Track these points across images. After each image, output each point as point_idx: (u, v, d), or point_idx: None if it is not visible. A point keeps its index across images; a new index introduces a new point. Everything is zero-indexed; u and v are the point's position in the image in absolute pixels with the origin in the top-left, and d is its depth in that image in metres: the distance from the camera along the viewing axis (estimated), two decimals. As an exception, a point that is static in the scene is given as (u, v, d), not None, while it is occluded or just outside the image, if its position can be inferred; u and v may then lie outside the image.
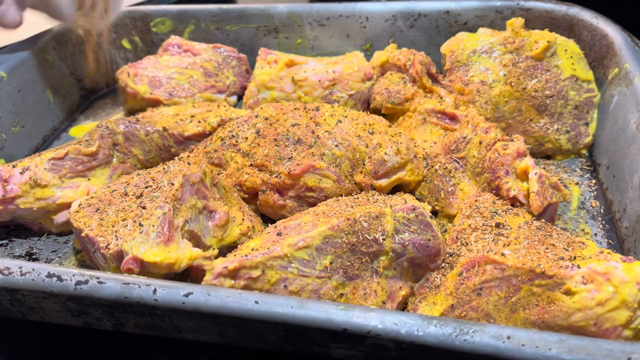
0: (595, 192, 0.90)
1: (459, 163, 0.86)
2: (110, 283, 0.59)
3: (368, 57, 1.18)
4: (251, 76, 1.12)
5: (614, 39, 0.97)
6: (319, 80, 1.05)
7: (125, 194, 0.74)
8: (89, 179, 0.88)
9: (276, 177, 0.83)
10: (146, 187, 0.73)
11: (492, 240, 0.69)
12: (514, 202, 0.77)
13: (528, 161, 0.77)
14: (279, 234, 0.70)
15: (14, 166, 0.84)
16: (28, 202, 0.83)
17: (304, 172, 0.82)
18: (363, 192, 0.83)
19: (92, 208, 0.74)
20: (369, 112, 0.93)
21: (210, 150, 0.92)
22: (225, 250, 0.77)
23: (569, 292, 0.61)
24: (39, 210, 0.84)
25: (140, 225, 0.67)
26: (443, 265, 0.72)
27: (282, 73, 1.06)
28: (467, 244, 0.71)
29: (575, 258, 0.64)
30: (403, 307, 0.72)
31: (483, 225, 0.73)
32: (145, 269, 0.65)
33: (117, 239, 0.67)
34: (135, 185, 0.75)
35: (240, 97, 1.19)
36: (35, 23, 1.07)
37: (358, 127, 0.85)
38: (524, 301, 0.63)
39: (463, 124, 0.89)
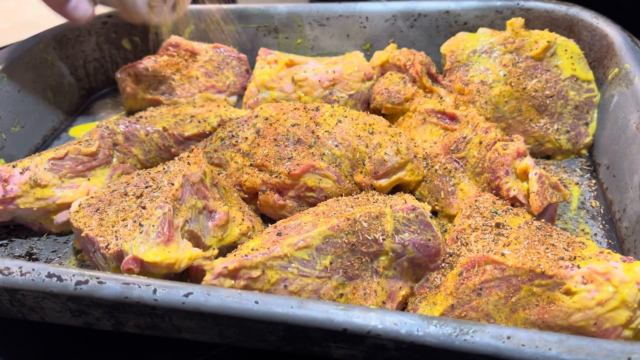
0: (595, 192, 0.90)
1: (459, 163, 0.86)
2: (110, 283, 0.59)
3: (368, 57, 1.18)
4: (251, 76, 1.12)
5: (614, 39, 0.97)
6: (319, 80, 1.05)
7: (125, 194, 0.74)
8: (89, 179, 0.88)
9: (276, 177, 0.83)
10: (146, 187, 0.73)
11: (492, 240, 0.69)
12: (514, 202, 0.77)
13: (528, 161, 0.77)
14: (279, 234, 0.70)
15: (14, 166, 0.84)
16: (28, 202, 0.83)
17: (304, 172, 0.82)
18: (363, 192, 0.83)
19: (92, 208, 0.74)
20: (369, 112, 0.93)
21: (210, 150, 0.92)
22: (225, 250, 0.77)
23: (569, 292, 0.61)
24: (39, 210, 0.84)
25: (140, 225, 0.67)
26: (443, 265, 0.72)
27: (282, 73, 1.06)
28: (467, 244, 0.71)
29: (575, 258, 0.64)
30: (403, 307, 0.72)
31: (483, 225, 0.73)
32: (145, 269, 0.65)
33: (117, 239, 0.67)
34: (135, 185, 0.75)
35: (240, 97, 1.19)
36: (35, 23, 1.07)
37: (358, 127, 0.85)
38: (524, 301, 0.63)
39: (463, 124, 0.89)
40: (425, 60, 1.01)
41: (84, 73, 1.25)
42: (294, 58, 1.07)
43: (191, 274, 0.70)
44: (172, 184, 0.72)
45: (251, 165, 0.86)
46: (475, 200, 0.78)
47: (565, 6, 1.08)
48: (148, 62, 1.16)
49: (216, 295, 0.57)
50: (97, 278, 0.59)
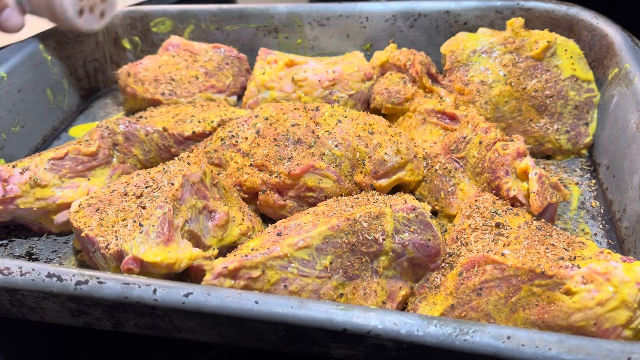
0: (595, 192, 0.90)
1: (459, 163, 0.86)
2: (110, 283, 0.59)
3: (368, 57, 1.18)
4: (251, 76, 1.12)
5: (614, 39, 0.97)
6: (319, 80, 1.05)
7: (125, 194, 0.74)
8: (89, 179, 0.88)
9: (276, 177, 0.83)
10: (146, 187, 0.73)
11: (492, 240, 0.69)
12: (514, 202, 0.77)
13: (528, 161, 0.77)
14: (279, 234, 0.70)
15: (14, 166, 0.84)
16: (28, 202, 0.83)
17: (304, 172, 0.82)
18: (363, 192, 0.83)
19: (92, 208, 0.74)
20: (369, 112, 0.93)
21: (210, 150, 0.92)
22: (225, 250, 0.77)
23: (569, 292, 0.61)
24: (39, 210, 0.84)
25: (140, 225, 0.67)
26: (443, 265, 0.72)
27: (282, 73, 1.06)
28: (467, 244, 0.71)
29: (575, 258, 0.64)
30: (403, 307, 0.72)
31: (483, 225, 0.73)
32: (145, 269, 0.65)
33: (117, 239, 0.67)
34: (135, 185, 0.75)
35: (240, 97, 1.19)
36: (35, 23, 1.08)
37: (358, 127, 0.85)
38: (524, 301, 0.63)
39: (463, 124, 0.89)
40: (425, 60, 1.01)
41: (84, 73, 1.25)
42: (294, 58, 1.07)
43: (191, 274, 0.70)
44: (172, 184, 0.72)
45: (251, 165, 0.86)
46: (475, 200, 0.78)
47: (565, 6, 1.08)
48: (148, 62, 1.16)
49: (216, 295, 0.57)
50: (97, 278, 0.59)
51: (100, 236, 0.68)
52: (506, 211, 0.75)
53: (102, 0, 1.09)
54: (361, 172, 0.83)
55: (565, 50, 0.97)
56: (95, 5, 1.08)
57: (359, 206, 0.72)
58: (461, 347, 0.52)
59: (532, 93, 0.95)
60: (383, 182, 0.83)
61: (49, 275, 0.60)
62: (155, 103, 1.12)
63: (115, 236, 0.67)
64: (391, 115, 1.01)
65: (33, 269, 0.61)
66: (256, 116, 0.91)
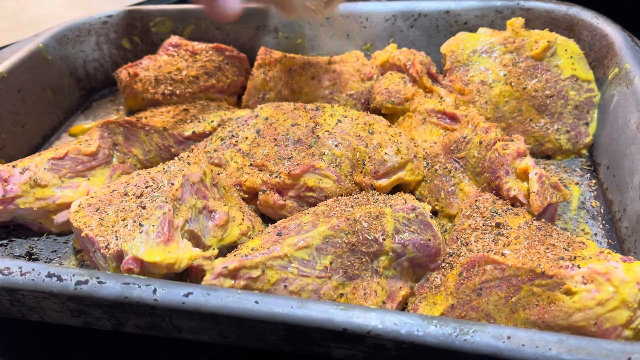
0: (595, 192, 0.90)
1: (459, 163, 0.86)
2: (110, 283, 0.59)
3: (368, 57, 1.18)
4: (251, 76, 1.12)
5: (614, 39, 0.97)
6: (319, 81, 1.05)
7: (125, 194, 0.74)
8: (89, 179, 0.88)
9: (276, 177, 0.83)
10: (146, 187, 0.73)
11: (492, 240, 0.69)
12: (514, 202, 0.77)
13: (528, 161, 0.77)
14: (279, 234, 0.70)
15: (14, 166, 0.84)
16: (28, 202, 0.83)
17: (304, 172, 0.82)
18: (363, 192, 0.83)
19: (92, 208, 0.74)
20: (369, 112, 0.93)
21: (210, 150, 0.92)
22: (225, 250, 0.77)
23: (569, 292, 0.61)
24: (39, 210, 0.84)
25: (140, 225, 0.67)
26: (443, 265, 0.72)
27: (282, 73, 1.06)
28: (467, 244, 0.71)
29: (575, 258, 0.64)
30: (403, 307, 0.72)
31: (483, 225, 0.73)
32: (145, 269, 0.64)
33: (117, 239, 0.67)
34: (135, 185, 0.75)
35: (240, 97, 1.19)
36: (35, 23, 1.08)
37: (358, 127, 0.85)
38: (524, 301, 0.63)
39: (463, 124, 0.89)
40: (425, 60, 1.01)
41: (84, 73, 1.25)
42: (294, 58, 1.07)
43: (191, 274, 0.70)
44: (172, 184, 0.72)
45: (251, 165, 0.86)
46: (475, 200, 0.78)
47: (565, 6, 1.09)
48: (148, 62, 1.16)
49: (216, 295, 0.57)
50: (97, 278, 0.59)
51: (100, 236, 0.68)
52: (506, 211, 0.75)
53: None
54: (361, 172, 0.83)
55: (566, 50, 0.97)
56: None
57: (359, 206, 0.72)
58: (461, 347, 0.52)
59: (532, 93, 0.95)
60: (383, 182, 0.83)
61: (49, 275, 0.60)
62: (155, 103, 1.12)
63: (115, 236, 0.67)
64: (391, 115, 1.01)
65: (33, 269, 0.61)
66: (256, 116, 0.91)
